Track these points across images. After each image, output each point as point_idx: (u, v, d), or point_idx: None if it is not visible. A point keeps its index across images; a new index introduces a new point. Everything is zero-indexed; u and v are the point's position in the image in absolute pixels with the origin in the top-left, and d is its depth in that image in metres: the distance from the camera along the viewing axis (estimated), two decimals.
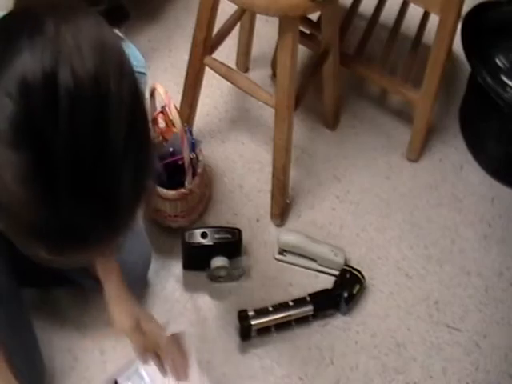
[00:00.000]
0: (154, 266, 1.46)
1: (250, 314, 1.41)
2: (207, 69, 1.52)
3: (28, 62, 0.54)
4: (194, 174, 1.46)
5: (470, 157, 1.74)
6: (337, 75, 1.61)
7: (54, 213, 0.56)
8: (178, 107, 1.56)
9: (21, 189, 0.55)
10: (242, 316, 1.41)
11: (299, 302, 1.44)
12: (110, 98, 0.56)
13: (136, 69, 0.63)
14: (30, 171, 0.54)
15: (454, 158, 1.74)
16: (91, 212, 0.57)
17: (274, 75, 1.76)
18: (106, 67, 0.57)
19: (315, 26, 1.59)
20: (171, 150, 1.48)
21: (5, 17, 0.59)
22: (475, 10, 1.67)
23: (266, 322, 1.41)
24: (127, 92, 0.58)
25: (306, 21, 1.58)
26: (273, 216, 1.59)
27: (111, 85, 0.56)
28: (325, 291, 1.48)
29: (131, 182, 0.59)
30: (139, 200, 0.62)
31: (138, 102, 0.61)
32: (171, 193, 1.44)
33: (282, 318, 1.43)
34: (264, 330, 1.42)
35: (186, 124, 1.49)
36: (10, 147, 0.54)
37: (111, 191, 0.58)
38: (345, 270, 1.49)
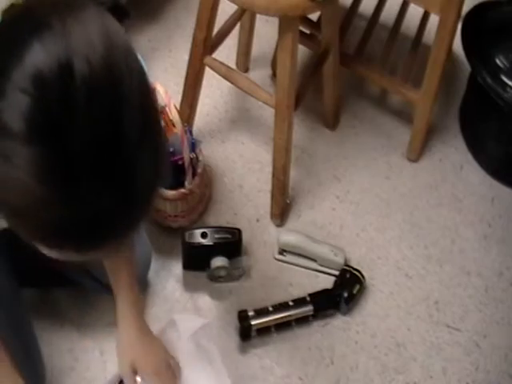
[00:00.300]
0: (153, 265, 1.46)
1: (250, 314, 1.41)
2: (207, 69, 1.52)
3: (40, 56, 0.54)
4: (194, 174, 1.46)
5: (469, 157, 1.74)
6: (337, 75, 1.61)
7: (77, 205, 0.56)
8: (178, 107, 1.56)
9: (41, 186, 0.55)
10: (242, 316, 1.41)
11: (299, 301, 1.44)
12: (123, 85, 0.56)
13: None
14: (50, 165, 0.54)
15: (454, 157, 1.74)
16: (113, 200, 0.57)
17: (274, 75, 1.76)
18: (116, 54, 0.57)
19: (315, 26, 1.59)
20: (171, 150, 1.48)
21: (7, 20, 0.59)
22: (475, 9, 1.67)
23: (266, 322, 1.41)
24: (137, 78, 0.59)
25: (306, 21, 1.58)
26: (273, 216, 1.59)
27: (123, 71, 0.57)
28: (325, 291, 1.48)
29: (148, 167, 0.60)
30: (156, 187, 0.63)
31: (147, 88, 0.61)
32: (171, 193, 1.44)
33: (282, 318, 1.42)
34: (264, 330, 1.42)
35: (186, 124, 1.49)
36: (26, 145, 0.54)
37: (131, 177, 0.58)
38: (345, 270, 1.49)
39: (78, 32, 0.55)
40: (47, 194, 0.55)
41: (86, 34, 0.56)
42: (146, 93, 0.61)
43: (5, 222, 0.96)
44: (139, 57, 0.90)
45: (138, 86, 0.59)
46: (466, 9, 1.61)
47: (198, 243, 1.44)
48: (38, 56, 0.54)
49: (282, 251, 1.54)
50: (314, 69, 1.55)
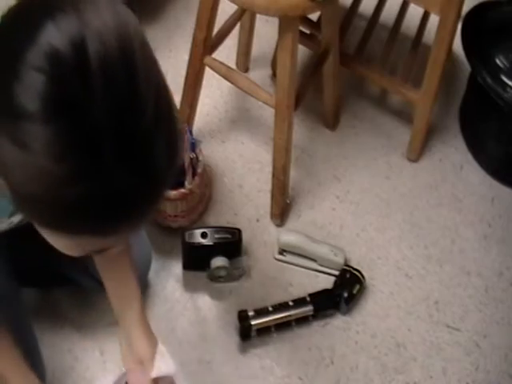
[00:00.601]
0: (154, 266, 1.46)
1: (250, 314, 1.41)
2: (207, 69, 1.52)
3: (54, 35, 0.54)
4: (194, 174, 1.46)
5: (469, 157, 1.74)
6: (337, 75, 1.61)
7: (97, 180, 0.56)
8: (178, 107, 1.56)
9: (60, 165, 0.55)
10: (242, 316, 1.41)
11: (299, 302, 1.44)
12: (136, 60, 0.57)
13: None
14: (69, 142, 0.54)
15: (454, 157, 1.74)
16: (132, 175, 0.57)
17: (274, 75, 1.76)
18: (128, 30, 0.58)
19: (315, 26, 1.59)
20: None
21: (18, 7, 0.59)
22: (475, 9, 1.67)
23: (265, 321, 1.42)
24: (148, 53, 0.60)
25: (306, 21, 1.58)
26: (273, 216, 1.59)
27: (135, 47, 0.57)
28: (325, 291, 1.48)
29: (164, 147, 0.60)
30: (173, 167, 0.63)
31: (159, 69, 0.62)
32: (171, 193, 1.44)
33: (281, 318, 1.43)
34: (264, 330, 1.42)
35: (186, 124, 1.49)
36: (44, 124, 0.54)
37: (150, 153, 0.58)
38: (345, 270, 1.49)
39: (90, 13, 0.56)
40: (67, 173, 0.55)
41: (99, 15, 0.56)
42: (159, 73, 0.61)
43: (5, 223, 0.96)
44: None
45: (149, 59, 0.60)
46: (465, 9, 1.61)
47: (198, 243, 1.44)
48: (52, 35, 0.54)
49: (281, 251, 1.54)
50: (314, 69, 1.55)
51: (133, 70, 0.56)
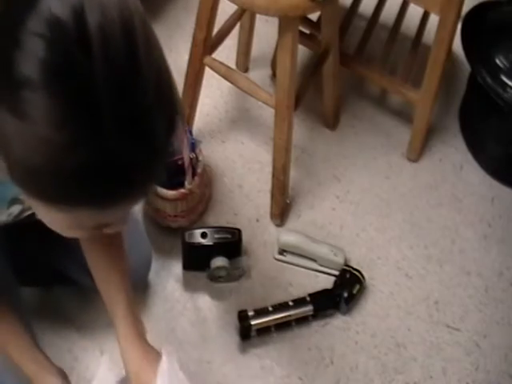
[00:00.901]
0: (154, 266, 1.46)
1: (250, 314, 1.41)
2: (207, 69, 1.52)
3: (55, 2, 0.55)
4: (193, 174, 1.46)
5: (469, 157, 1.74)
6: (337, 75, 1.61)
7: (97, 146, 0.56)
8: None
9: (61, 133, 0.55)
10: (242, 316, 1.41)
11: (299, 301, 1.44)
12: (137, 36, 0.57)
13: None
14: (70, 108, 0.55)
15: (454, 158, 1.74)
16: (133, 144, 0.58)
17: (273, 75, 1.76)
18: (129, 6, 0.58)
19: (315, 26, 1.59)
20: (171, 150, 1.47)
21: None
22: (475, 9, 1.67)
23: (265, 321, 1.42)
24: (150, 33, 0.60)
25: (306, 21, 1.58)
26: (273, 216, 1.59)
27: (136, 23, 0.58)
28: (325, 291, 1.48)
29: (165, 120, 0.61)
30: (172, 134, 0.63)
31: (159, 45, 0.62)
32: (171, 193, 1.44)
33: (281, 318, 1.43)
34: (264, 330, 1.43)
35: (186, 124, 1.49)
36: (44, 90, 0.54)
37: (149, 124, 0.59)
38: (345, 270, 1.49)
39: None
40: (67, 141, 0.55)
41: None
42: (160, 54, 0.61)
43: (4, 214, 0.95)
44: None
45: (148, 32, 0.60)
46: (465, 9, 1.61)
47: (198, 243, 1.44)
48: (53, 2, 0.55)
49: (281, 251, 1.54)
50: (314, 69, 1.55)
51: (132, 40, 0.57)
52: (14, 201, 0.95)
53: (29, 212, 1.00)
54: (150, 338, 1.39)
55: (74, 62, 0.54)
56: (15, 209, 0.98)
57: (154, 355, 1.04)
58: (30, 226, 1.17)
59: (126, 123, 0.57)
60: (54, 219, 0.68)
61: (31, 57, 0.54)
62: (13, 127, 0.56)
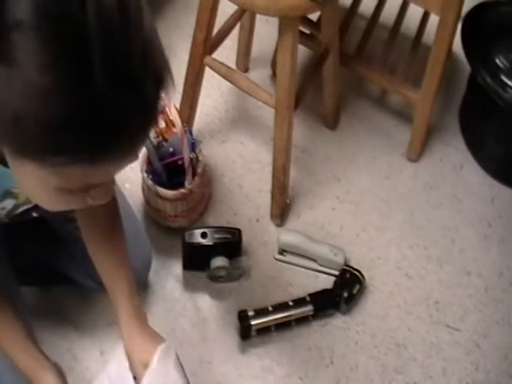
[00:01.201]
0: (154, 265, 1.46)
1: (250, 314, 1.41)
2: (207, 69, 1.52)
3: None
4: (193, 174, 1.46)
5: (469, 157, 1.74)
6: (337, 75, 1.61)
7: (87, 94, 0.56)
8: (178, 107, 1.56)
9: (50, 75, 0.55)
10: (242, 316, 1.41)
11: (299, 301, 1.44)
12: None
13: None
14: (60, 48, 0.55)
15: (454, 157, 1.74)
16: (121, 94, 0.58)
17: (274, 75, 1.76)
18: None
19: (315, 25, 1.59)
20: (171, 150, 1.48)
21: None
22: (475, 9, 1.67)
23: (265, 321, 1.42)
24: (141, 4, 0.60)
25: (306, 21, 1.58)
26: (273, 216, 1.59)
27: None
28: (325, 291, 1.48)
29: (153, 64, 0.61)
30: (161, 87, 0.63)
31: (149, 17, 0.62)
32: (171, 193, 1.44)
33: (281, 317, 1.43)
34: (264, 330, 1.43)
35: (185, 124, 1.49)
36: (34, 31, 0.54)
37: (137, 74, 0.59)
38: (345, 270, 1.49)
39: None
40: (54, 84, 0.55)
41: None
42: (150, 24, 0.62)
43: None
44: None
45: (142, 12, 0.60)
46: (465, 9, 1.61)
47: (198, 243, 1.44)
48: None
49: (281, 251, 1.54)
50: (314, 69, 1.55)
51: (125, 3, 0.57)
52: (7, 194, 0.94)
53: (23, 208, 1.00)
54: None
55: (66, 4, 0.54)
56: (8, 203, 0.97)
57: (157, 338, 1.04)
58: (29, 225, 1.17)
59: (115, 71, 0.57)
60: (42, 186, 0.67)
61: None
62: (0, 73, 0.56)
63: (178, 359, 1.04)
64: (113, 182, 0.75)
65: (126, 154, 0.65)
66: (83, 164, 0.62)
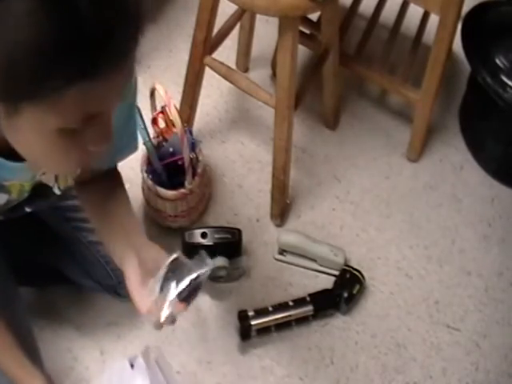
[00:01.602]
0: None
1: (250, 314, 1.41)
2: (207, 69, 1.52)
3: None
4: (194, 174, 1.46)
5: (469, 157, 1.74)
6: (337, 75, 1.61)
7: (75, 10, 0.59)
8: (178, 107, 1.56)
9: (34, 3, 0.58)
10: (242, 316, 1.41)
11: (299, 302, 1.44)
12: None
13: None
14: None
15: (454, 158, 1.74)
16: (105, 5, 0.61)
17: (274, 75, 1.76)
18: None
19: (315, 25, 1.59)
20: (171, 150, 1.48)
21: None
22: (475, 9, 1.67)
23: (265, 322, 1.41)
24: None
25: (306, 21, 1.58)
26: (273, 216, 1.59)
27: None
28: (325, 291, 1.48)
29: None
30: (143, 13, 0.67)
31: None
32: (171, 193, 1.44)
33: (281, 318, 1.42)
34: (264, 330, 1.42)
35: (185, 124, 1.49)
36: None
37: None
38: (345, 270, 1.49)
39: None
40: (39, 7, 0.59)
41: None
42: None
43: None
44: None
45: None
46: (465, 9, 1.61)
47: (198, 243, 1.44)
48: None
49: (281, 251, 1.54)
50: (314, 69, 1.55)
51: None
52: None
53: (15, 202, 0.99)
54: (149, 339, 1.40)
55: None
56: (0, 198, 0.96)
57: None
58: (28, 226, 1.17)
59: None
60: (42, 135, 0.68)
61: None
62: None
63: (162, 359, 1.04)
64: (109, 120, 0.75)
65: (117, 68, 0.66)
66: (76, 84, 0.63)
